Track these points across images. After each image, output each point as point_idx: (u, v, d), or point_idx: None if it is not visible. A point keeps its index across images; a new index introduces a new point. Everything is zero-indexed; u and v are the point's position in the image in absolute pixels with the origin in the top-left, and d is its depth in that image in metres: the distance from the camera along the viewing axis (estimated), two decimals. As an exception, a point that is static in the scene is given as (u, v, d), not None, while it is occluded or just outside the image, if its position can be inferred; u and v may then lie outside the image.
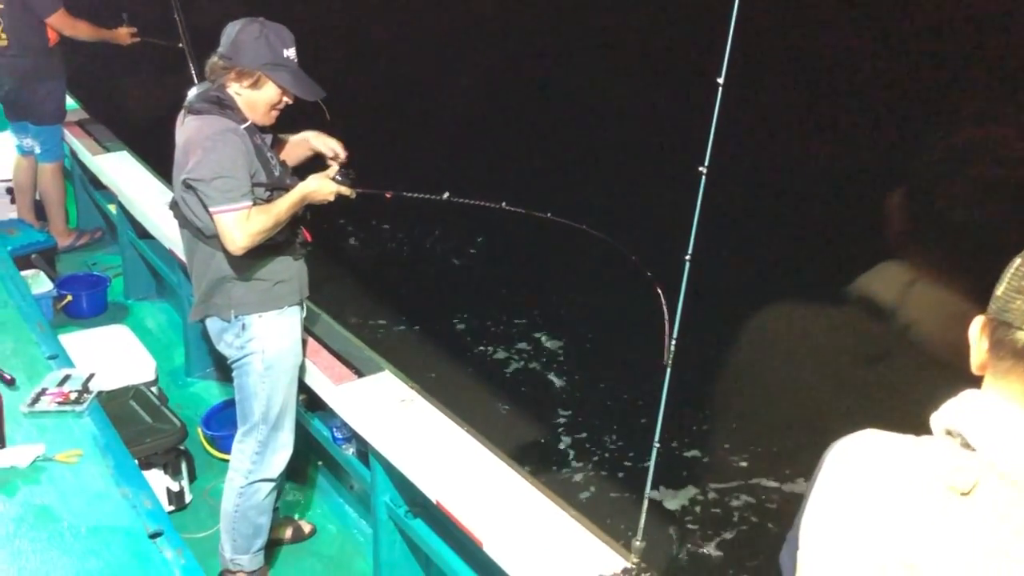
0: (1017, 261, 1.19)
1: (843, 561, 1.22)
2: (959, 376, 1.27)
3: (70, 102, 6.29)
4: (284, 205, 3.09)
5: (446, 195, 3.21)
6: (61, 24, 5.67)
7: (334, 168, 3.29)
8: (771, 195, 7.72)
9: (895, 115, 9.28)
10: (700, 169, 2.16)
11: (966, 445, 1.17)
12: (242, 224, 2.99)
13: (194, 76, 4.43)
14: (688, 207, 2.26)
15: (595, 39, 11.73)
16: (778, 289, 5.98)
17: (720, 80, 2.02)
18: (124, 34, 5.96)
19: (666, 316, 2.47)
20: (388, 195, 3.30)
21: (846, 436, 1.31)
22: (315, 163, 3.43)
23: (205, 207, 3.03)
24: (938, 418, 1.22)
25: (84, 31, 5.80)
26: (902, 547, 1.17)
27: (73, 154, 6.18)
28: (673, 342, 2.39)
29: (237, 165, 3.00)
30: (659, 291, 2.62)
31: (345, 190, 3.21)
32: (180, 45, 4.96)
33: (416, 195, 3.22)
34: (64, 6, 5.66)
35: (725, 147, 2.16)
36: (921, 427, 1.24)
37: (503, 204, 3.19)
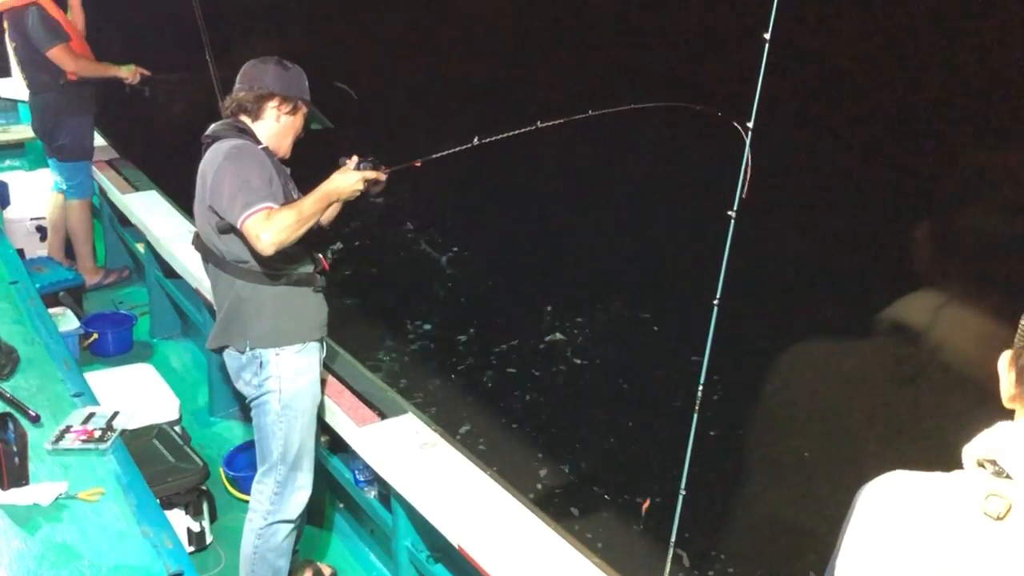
0: None
1: None
2: (988, 396, 1.27)
3: (99, 140, 6.33)
4: (308, 201, 3.03)
5: (476, 140, 3.10)
6: (61, 59, 5.58)
7: (354, 159, 3.18)
8: (799, 226, 7.66)
9: (919, 142, 9.24)
10: (729, 213, 2.14)
11: (998, 473, 1.18)
12: (263, 222, 2.91)
13: (218, 96, 4.42)
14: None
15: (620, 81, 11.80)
16: (807, 324, 5.91)
17: (750, 124, 2.01)
18: (132, 71, 5.87)
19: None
20: (418, 163, 3.21)
21: (875, 478, 1.33)
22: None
23: (233, 228, 3.02)
24: (970, 449, 1.24)
25: (86, 68, 5.72)
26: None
27: (102, 192, 6.25)
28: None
29: (253, 173, 3.00)
30: (739, 128, 2.29)
31: (371, 174, 3.13)
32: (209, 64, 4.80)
33: (445, 152, 3.12)
34: (65, 42, 5.57)
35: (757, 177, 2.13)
36: (953, 449, 1.24)
37: (538, 123, 3.06)
